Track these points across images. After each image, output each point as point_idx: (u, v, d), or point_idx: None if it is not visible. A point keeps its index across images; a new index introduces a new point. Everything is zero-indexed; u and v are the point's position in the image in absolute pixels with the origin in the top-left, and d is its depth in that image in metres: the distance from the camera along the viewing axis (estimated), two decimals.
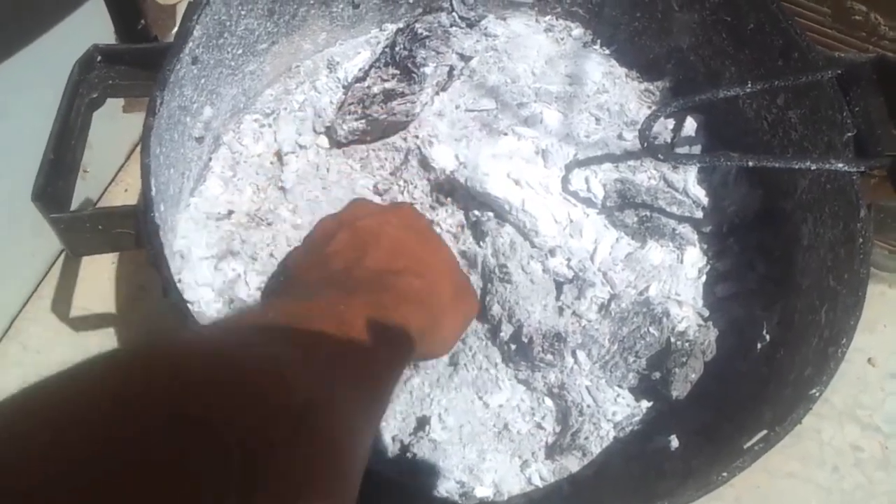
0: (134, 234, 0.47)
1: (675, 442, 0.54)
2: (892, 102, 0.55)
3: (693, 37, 0.67)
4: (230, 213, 0.62)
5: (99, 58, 0.52)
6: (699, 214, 0.63)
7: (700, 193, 0.64)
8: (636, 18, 0.70)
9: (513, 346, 0.57)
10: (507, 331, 0.57)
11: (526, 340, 0.56)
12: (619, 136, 0.67)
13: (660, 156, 0.54)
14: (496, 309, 0.58)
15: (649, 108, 0.70)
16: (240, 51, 0.62)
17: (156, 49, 0.52)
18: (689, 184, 0.64)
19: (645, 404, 0.57)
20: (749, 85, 0.55)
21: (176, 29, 0.84)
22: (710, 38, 0.66)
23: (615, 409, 0.56)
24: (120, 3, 0.75)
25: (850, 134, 0.53)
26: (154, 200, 0.47)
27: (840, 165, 0.51)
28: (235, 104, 0.66)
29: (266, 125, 0.67)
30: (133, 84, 0.54)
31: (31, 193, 0.45)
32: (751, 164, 0.53)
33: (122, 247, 0.48)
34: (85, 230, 0.46)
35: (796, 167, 0.52)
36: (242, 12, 0.60)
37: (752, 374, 0.55)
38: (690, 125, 0.66)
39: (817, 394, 0.45)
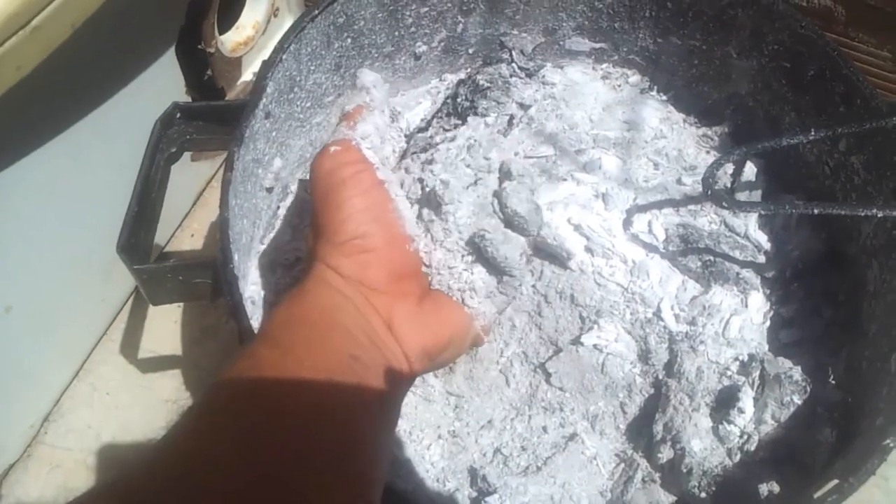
0: (211, 285, 0.49)
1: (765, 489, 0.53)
2: None
3: (752, 83, 0.68)
4: (298, 259, 0.64)
5: (178, 114, 0.54)
6: (762, 259, 0.63)
7: (762, 238, 0.64)
8: (693, 65, 0.71)
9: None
10: (665, 454, 0.56)
11: (685, 471, 0.54)
12: (678, 181, 0.67)
13: (724, 203, 0.54)
14: (658, 429, 0.57)
15: (708, 153, 0.70)
16: (308, 104, 0.65)
17: (231, 105, 0.55)
18: (751, 228, 0.64)
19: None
20: (812, 132, 0.56)
21: (241, 79, 0.88)
22: (769, 84, 0.66)
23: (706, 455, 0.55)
24: (190, 57, 0.79)
25: None
26: (232, 251, 0.49)
27: None
28: (303, 154, 0.68)
29: None
30: (209, 139, 0.56)
31: (116, 246, 0.48)
32: (816, 211, 0.53)
33: (199, 296, 0.50)
34: (166, 280, 0.48)
35: (862, 214, 0.52)
36: (312, 67, 0.62)
37: (820, 421, 0.54)
38: (750, 170, 0.67)
39: (892, 444, 0.44)
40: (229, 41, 0.85)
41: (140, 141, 0.55)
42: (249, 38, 0.87)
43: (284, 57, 0.57)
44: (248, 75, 0.89)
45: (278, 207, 0.67)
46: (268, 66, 0.56)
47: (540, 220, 0.57)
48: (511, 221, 0.55)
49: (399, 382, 0.45)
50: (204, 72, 0.81)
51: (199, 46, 0.79)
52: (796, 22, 0.62)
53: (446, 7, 0.69)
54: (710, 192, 0.54)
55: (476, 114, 0.65)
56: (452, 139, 0.56)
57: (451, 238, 0.52)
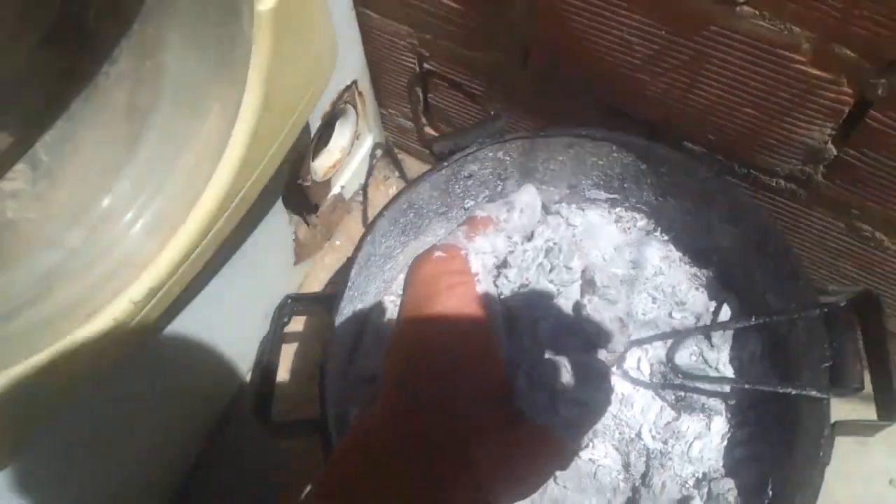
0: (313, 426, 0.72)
1: None
2: (867, 334, 0.72)
3: (731, 242, 0.85)
4: (373, 377, 0.87)
5: (290, 301, 0.77)
6: (727, 388, 0.82)
7: (729, 371, 0.82)
8: (687, 220, 0.88)
9: None
10: None
11: None
12: (670, 315, 0.86)
13: (679, 375, 0.74)
14: None
15: (697, 289, 0.88)
16: (381, 261, 0.86)
17: (327, 295, 0.77)
18: (721, 362, 0.83)
19: None
20: (752, 319, 0.74)
21: (331, 193, 1.09)
22: (744, 246, 0.84)
23: None
24: (294, 196, 1.01)
25: (826, 364, 0.71)
26: (329, 411, 0.72)
27: (814, 392, 0.69)
28: (378, 292, 0.90)
29: None
30: (312, 310, 0.79)
31: (253, 410, 0.71)
32: (746, 386, 0.72)
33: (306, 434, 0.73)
34: (284, 433, 0.72)
35: (780, 391, 0.71)
36: (383, 240, 0.84)
37: None
38: (726, 311, 0.85)
39: None
40: (321, 168, 1.06)
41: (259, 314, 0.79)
42: (338, 161, 1.07)
43: (361, 251, 0.79)
44: (336, 189, 1.10)
45: (361, 333, 0.89)
46: (351, 263, 0.77)
47: (627, 337, 0.49)
48: (593, 342, 0.48)
49: None
50: (303, 197, 1.03)
51: (298, 181, 1.01)
52: (759, 213, 0.79)
53: (487, 178, 0.88)
54: (670, 364, 0.74)
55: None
56: (530, 238, 0.53)
57: (530, 358, 0.46)
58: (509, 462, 0.41)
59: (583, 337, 0.47)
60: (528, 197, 0.49)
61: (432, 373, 0.41)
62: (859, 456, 0.97)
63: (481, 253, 0.46)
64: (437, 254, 0.45)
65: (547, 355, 0.45)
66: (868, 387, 0.70)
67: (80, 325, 0.63)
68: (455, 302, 0.43)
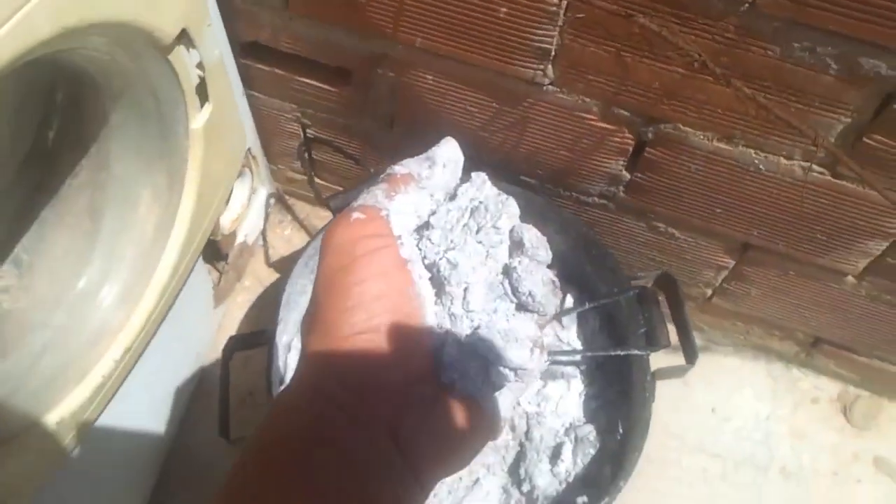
0: None
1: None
2: (670, 303, 0.99)
3: (566, 247, 1.10)
4: None
5: (233, 342, 0.96)
6: (578, 358, 1.08)
7: (577, 344, 1.08)
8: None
9: None
10: (525, 487, 1.02)
11: (535, 497, 1.00)
12: None
13: None
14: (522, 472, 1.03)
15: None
16: (297, 296, 1.06)
17: (262, 331, 0.96)
18: (571, 338, 1.09)
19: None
20: (587, 304, 1.00)
21: (237, 242, 1.28)
22: (576, 250, 1.09)
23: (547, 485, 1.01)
24: (209, 248, 1.18)
25: (642, 330, 0.97)
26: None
27: (635, 351, 0.96)
28: (297, 320, 1.09)
29: None
30: (251, 345, 0.98)
31: (219, 433, 0.89)
32: (589, 354, 0.97)
33: None
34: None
35: (612, 354, 0.97)
36: (299, 280, 1.04)
37: (603, 463, 1.00)
38: (569, 300, 1.11)
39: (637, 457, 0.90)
40: (225, 222, 1.22)
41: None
42: (239, 215, 1.25)
43: (284, 294, 0.99)
44: (241, 238, 1.28)
45: (287, 359, 1.09)
46: (278, 304, 0.97)
47: (558, 300, 0.48)
48: (525, 305, 0.46)
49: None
50: (215, 249, 1.21)
51: (210, 238, 1.18)
52: (580, 227, 1.05)
53: None
54: None
55: None
56: (453, 198, 0.50)
57: (460, 326, 0.43)
58: (439, 439, 0.39)
59: (514, 300, 0.44)
60: (450, 151, 0.46)
61: (352, 351, 0.37)
62: (686, 394, 1.26)
63: (403, 213, 0.43)
64: (355, 215, 0.40)
65: (478, 321, 0.42)
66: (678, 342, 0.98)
67: (76, 384, 0.80)
68: (375, 269, 0.39)
